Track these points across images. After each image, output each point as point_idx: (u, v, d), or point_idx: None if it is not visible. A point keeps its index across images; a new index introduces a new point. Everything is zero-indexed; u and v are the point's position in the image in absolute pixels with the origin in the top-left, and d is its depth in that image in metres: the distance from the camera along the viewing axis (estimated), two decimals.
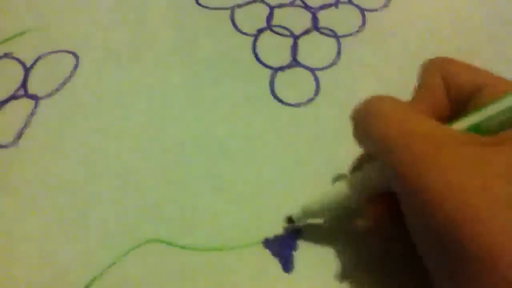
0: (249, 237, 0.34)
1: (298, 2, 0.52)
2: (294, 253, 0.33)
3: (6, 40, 0.48)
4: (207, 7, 0.51)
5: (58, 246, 0.34)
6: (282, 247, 0.34)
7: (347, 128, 0.30)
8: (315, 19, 0.50)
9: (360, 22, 0.49)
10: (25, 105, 0.43)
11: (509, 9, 0.50)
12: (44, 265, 0.33)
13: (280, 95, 0.43)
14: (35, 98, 0.44)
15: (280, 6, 0.51)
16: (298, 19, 0.50)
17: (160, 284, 0.32)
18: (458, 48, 0.45)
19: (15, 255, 0.34)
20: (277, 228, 0.35)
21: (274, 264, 0.33)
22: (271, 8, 0.51)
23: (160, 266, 0.33)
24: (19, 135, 0.41)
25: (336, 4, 0.51)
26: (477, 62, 0.29)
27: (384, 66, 0.45)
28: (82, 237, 0.35)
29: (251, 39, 0.48)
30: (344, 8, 0.51)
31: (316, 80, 0.44)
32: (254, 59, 0.46)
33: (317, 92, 0.43)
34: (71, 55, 0.47)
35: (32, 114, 0.42)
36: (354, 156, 0.33)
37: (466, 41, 0.47)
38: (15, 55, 0.47)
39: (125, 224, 0.35)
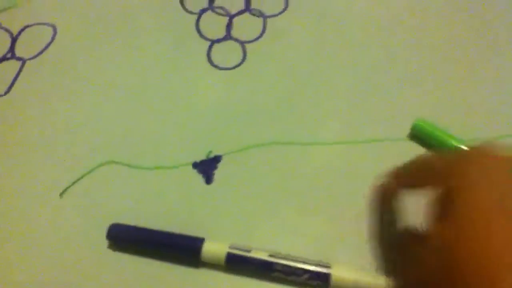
0: (183, 160, 0.47)
1: None
2: (214, 172, 0.47)
3: None
4: None
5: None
6: (206, 167, 0.47)
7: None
8: (248, 1, 0.62)
9: (283, 5, 0.62)
10: (14, 65, 0.55)
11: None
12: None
13: (215, 61, 0.56)
14: (21, 60, 0.55)
15: None
16: (235, 2, 0.62)
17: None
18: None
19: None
20: (202, 154, 0.48)
21: (199, 179, 0.46)
22: None
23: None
24: (10, 87, 0.53)
25: None
26: None
27: (302, 40, 0.58)
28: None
29: (196, 16, 0.60)
30: None
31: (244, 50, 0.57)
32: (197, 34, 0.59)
33: (243, 59, 0.56)
34: (50, 27, 0.59)
35: (19, 71, 0.54)
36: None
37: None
38: (4, 25, 0.59)
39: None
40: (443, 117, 0.48)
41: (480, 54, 0.55)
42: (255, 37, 0.59)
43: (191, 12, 0.61)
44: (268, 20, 0.61)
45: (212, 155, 0.48)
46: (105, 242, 0.42)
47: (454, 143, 0.46)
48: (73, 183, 0.46)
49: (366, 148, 0.48)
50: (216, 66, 0.56)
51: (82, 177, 0.46)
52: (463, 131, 0.47)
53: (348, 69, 0.55)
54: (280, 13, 0.61)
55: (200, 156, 0.48)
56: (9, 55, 0.56)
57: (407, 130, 0.48)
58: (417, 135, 0.48)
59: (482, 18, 0.58)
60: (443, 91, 0.52)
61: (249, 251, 0.39)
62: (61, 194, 0.45)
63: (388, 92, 0.52)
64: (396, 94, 0.52)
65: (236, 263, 0.40)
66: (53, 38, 0.58)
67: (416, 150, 0.47)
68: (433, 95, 0.52)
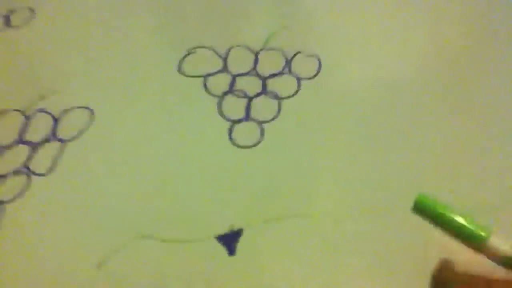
0: (205, 235, 0.52)
1: (253, 72, 0.71)
2: (236, 244, 0.51)
3: (41, 98, 0.67)
4: (186, 75, 0.70)
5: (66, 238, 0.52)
6: (229, 240, 0.52)
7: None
8: (264, 85, 0.69)
9: (296, 88, 0.68)
10: (55, 146, 0.62)
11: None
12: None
13: (235, 140, 0.62)
14: (62, 141, 0.62)
15: (240, 75, 0.71)
16: (252, 85, 0.69)
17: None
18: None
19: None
20: (225, 229, 0.53)
21: (223, 250, 0.51)
22: (233, 77, 0.70)
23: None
24: (52, 168, 0.59)
25: (280, 74, 0.70)
26: None
27: (313, 118, 0.64)
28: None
29: (217, 99, 0.67)
30: (286, 77, 0.70)
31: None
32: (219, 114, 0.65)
33: (261, 138, 0.62)
34: (88, 110, 0.66)
35: (61, 152, 0.61)
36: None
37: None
38: (46, 109, 0.66)
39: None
40: (446, 188, 0.53)
41: (482, 127, 0.60)
42: (271, 117, 0.65)
43: (213, 95, 0.68)
44: (283, 101, 0.67)
45: (235, 228, 0.53)
46: None
47: (458, 219, 0.50)
48: (108, 256, 0.51)
49: (376, 218, 0.53)
50: (236, 145, 0.62)
51: (116, 250, 0.51)
52: (466, 202, 0.51)
53: (355, 143, 0.60)
54: (293, 95, 0.68)
55: (222, 229, 0.53)
56: (51, 137, 0.62)
57: (410, 203, 0.53)
58: (420, 210, 0.52)
59: (483, 90, 0.64)
60: (446, 162, 0.57)
61: None
62: (98, 266, 0.50)
63: (390, 165, 0.58)
64: (398, 166, 0.58)
65: None
66: (90, 120, 0.64)
67: (420, 224, 0.51)
68: (436, 167, 0.57)
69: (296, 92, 0.68)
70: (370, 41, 0.73)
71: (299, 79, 0.70)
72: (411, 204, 0.53)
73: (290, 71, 0.71)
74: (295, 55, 0.72)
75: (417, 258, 0.50)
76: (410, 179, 0.56)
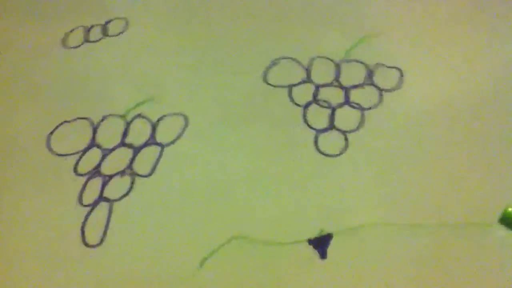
0: (297, 238, 0.56)
1: (336, 83, 0.74)
2: (327, 248, 0.55)
3: (139, 104, 0.73)
4: (272, 85, 0.74)
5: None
6: (320, 244, 0.55)
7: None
8: (347, 96, 0.72)
9: (378, 99, 0.71)
10: (154, 149, 0.67)
11: None
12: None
13: (321, 148, 0.65)
14: (161, 145, 0.67)
15: (323, 85, 0.74)
16: (335, 95, 0.72)
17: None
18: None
19: None
20: (314, 232, 0.56)
21: (314, 254, 0.54)
22: (316, 87, 0.73)
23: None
24: (153, 170, 0.64)
25: (362, 85, 0.73)
26: None
27: (395, 130, 0.66)
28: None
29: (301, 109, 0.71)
30: (368, 88, 0.73)
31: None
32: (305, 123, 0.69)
33: (346, 147, 0.65)
34: (182, 117, 0.71)
35: (160, 156, 0.66)
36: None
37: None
38: (144, 114, 0.71)
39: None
40: None
41: None
42: (355, 127, 0.68)
43: (298, 105, 0.71)
44: (365, 112, 0.69)
45: (324, 233, 0.56)
46: None
47: None
48: (209, 254, 0.55)
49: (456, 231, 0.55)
50: (322, 153, 0.65)
51: (217, 249, 0.56)
52: None
53: (435, 153, 0.62)
54: (376, 106, 0.70)
55: (313, 233, 0.56)
56: (150, 141, 0.68)
57: (497, 215, 0.55)
58: (507, 222, 0.54)
59: None
60: None
61: None
62: (200, 264, 0.55)
63: (478, 175, 0.59)
64: (486, 177, 0.59)
65: None
66: (185, 126, 0.69)
67: (507, 236, 0.53)
68: None
69: (378, 103, 0.70)
70: (453, 54, 0.75)
71: (380, 91, 0.72)
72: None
73: (372, 83, 0.73)
74: (376, 66, 0.75)
75: None
76: (496, 190, 0.58)
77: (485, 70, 0.72)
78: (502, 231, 0.54)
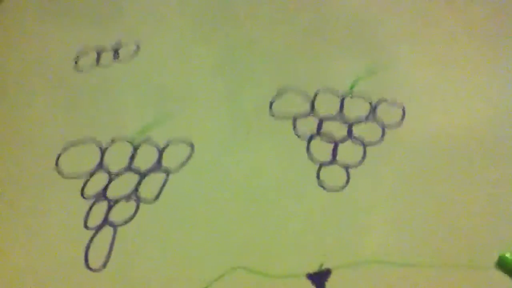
0: (296, 272, 0.57)
1: (339, 117, 0.76)
2: (326, 283, 0.56)
3: (146, 129, 0.74)
4: (275, 116, 0.76)
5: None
6: (318, 279, 0.56)
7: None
8: (350, 130, 0.73)
9: (380, 136, 0.72)
10: (160, 177, 0.68)
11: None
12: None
13: (323, 182, 0.67)
14: (167, 172, 0.69)
15: (327, 119, 0.75)
16: (338, 129, 0.74)
17: None
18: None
19: None
20: (313, 267, 0.57)
21: None
22: (320, 120, 0.75)
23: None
24: (158, 196, 0.66)
25: (365, 120, 0.75)
26: None
27: (397, 167, 0.68)
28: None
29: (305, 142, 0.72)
30: (370, 124, 0.74)
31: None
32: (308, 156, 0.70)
33: (347, 182, 0.67)
34: (188, 144, 0.72)
35: (165, 182, 0.67)
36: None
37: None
38: (153, 139, 0.73)
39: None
40: None
41: None
42: (357, 162, 0.69)
43: (301, 137, 0.73)
44: (368, 148, 0.71)
45: (323, 268, 0.57)
46: None
47: None
48: (210, 284, 0.57)
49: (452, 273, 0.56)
50: (324, 187, 0.66)
51: (218, 278, 0.57)
52: None
53: (437, 191, 0.63)
54: (378, 143, 0.72)
55: (312, 268, 0.58)
56: (156, 167, 0.69)
57: (494, 259, 0.56)
58: (503, 267, 0.55)
59: None
60: None
61: None
62: None
63: (473, 218, 0.61)
64: (481, 220, 0.60)
65: None
66: (191, 153, 0.71)
67: (503, 281, 0.54)
68: None
69: (380, 139, 0.72)
70: (455, 92, 0.76)
71: (383, 127, 0.74)
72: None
73: (374, 118, 0.75)
74: (379, 102, 0.76)
75: None
76: (494, 236, 0.59)
77: (488, 108, 0.74)
78: (499, 275, 0.55)
